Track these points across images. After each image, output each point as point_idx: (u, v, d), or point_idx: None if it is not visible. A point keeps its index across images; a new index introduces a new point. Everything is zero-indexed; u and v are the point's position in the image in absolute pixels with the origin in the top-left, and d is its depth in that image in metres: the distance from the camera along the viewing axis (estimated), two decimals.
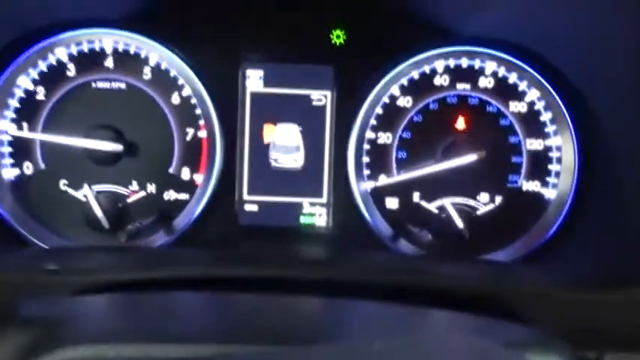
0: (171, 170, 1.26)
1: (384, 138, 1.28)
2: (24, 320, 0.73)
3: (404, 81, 1.27)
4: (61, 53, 1.23)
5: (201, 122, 1.26)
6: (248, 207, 1.29)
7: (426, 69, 1.27)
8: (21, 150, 1.24)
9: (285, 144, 1.28)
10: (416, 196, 1.28)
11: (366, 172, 1.28)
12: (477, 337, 0.77)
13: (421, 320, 0.84)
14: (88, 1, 1.14)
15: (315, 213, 1.30)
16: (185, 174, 1.27)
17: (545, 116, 1.28)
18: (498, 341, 0.75)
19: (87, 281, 0.92)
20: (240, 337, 0.69)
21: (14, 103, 1.23)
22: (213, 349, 0.67)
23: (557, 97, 1.25)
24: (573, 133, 1.24)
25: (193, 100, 1.25)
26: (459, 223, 1.24)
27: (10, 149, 1.24)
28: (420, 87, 1.27)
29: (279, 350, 0.65)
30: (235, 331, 0.72)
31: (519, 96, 1.28)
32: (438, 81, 1.27)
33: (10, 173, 1.24)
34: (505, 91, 1.27)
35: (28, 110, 1.23)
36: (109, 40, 1.23)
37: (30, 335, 0.71)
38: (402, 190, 1.28)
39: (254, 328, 0.74)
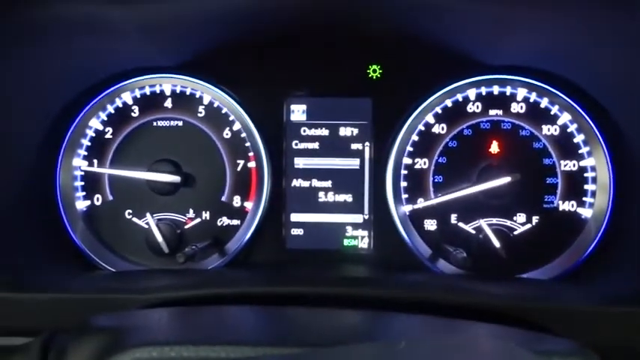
0: (223, 198, 1.37)
1: (421, 163, 1.35)
2: (96, 330, 0.84)
3: (438, 109, 1.34)
4: (126, 97, 1.38)
5: (251, 154, 1.37)
6: (294, 231, 1.38)
7: (459, 97, 1.34)
8: (91, 183, 1.39)
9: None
10: (453, 218, 1.34)
11: (405, 195, 1.35)
12: (506, 342, 0.82)
13: (452, 329, 0.90)
14: (149, 52, 1.28)
15: (358, 236, 1.38)
16: (236, 201, 1.37)
17: (578, 138, 1.32)
18: (525, 347, 0.79)
19: (149, 299, 1.03)
20: (282, 342, 0.77)
21: (86, 142, 1.39)
22: (259, 351, 0.75)
23: (588, 120, 1.29)
24: (606, 153, 1.28)
25: (243, 134, 1.37)
26: (496, 243, 1.29)
27: (82, 183, 1.39)
28: (454, 114, 1.34)
29: (308, 351, 0.72)
30: (279, 337, 0.80)
31: (552, 120, 1.32)
32: (470, 108, 1.34)
33: (82, 204, 1.39)
34: (537, 115, 1.33)
35: (97, 148, 1.38)
36: (167, 84, 1.38)
37: (101, 342, 0.82)
38: (439, 212, 1.34)
39: (296, 334, 0.81)
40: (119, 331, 0.82)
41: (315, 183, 1.38)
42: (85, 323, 0.85)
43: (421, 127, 1.35)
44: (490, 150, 1.33)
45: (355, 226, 1.38)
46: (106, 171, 1.38)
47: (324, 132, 1.38)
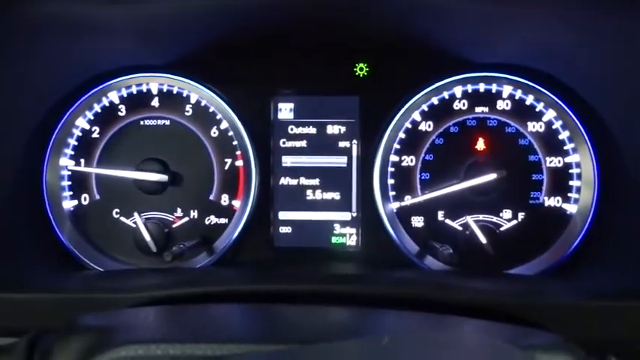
0: (211, 197, 1.37)
1: (408, 161, 1.36)
2: (82, 329, 0.84)
3: (424, 107, 1.35)
4: (113, 96, 1.38)
5: (238, 152, 1.37)
6: (282, 229, 1.38)
7: (445, 95, 1.35)
8: (79, 183, 1.38)
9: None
10: (440, 215, 1.34)
11: (392, 193, 1.36)
12: (491, 337, 0.83)
13: (440, 326, 0.90)
14: (136, 51, 1.28)
15: (346, 234, 1.38)
16: (224, 200, 1.37)
17: (563, 135, 1.33)
18: (511, 342, 0.80)
19: (137, 297, 1.03)
20: (269, 339, 0.78)
21: (73, 141, 1.38)
22: (245, 348, 0.75)
23: (573, 117, 1.30)
24: (591, 149, 1.29)
25: (230, 133, 1.37)
26: (483, 240, 1.30)
27: (69, 183, 1.38)
28: (440, 112, 1.35)
29: (294, 348, 0.73)
30: (265, 334, 0.81)
31: (537, 117, 1.34)
32: (457, 105, 1.35)
33: (69, 204, 1.38)
34: (523, 112, 1.34)
35: (84, 147, 1.38)
36: (154, 82, 1.37)
37: (88, 340, 0.82)
38: (426, 209, 1.34)
39: (283, 331, 0.82)
40: (106, 329, 0.82)
41: (303, 181, 1.39)
42: (71, 323, 0.85)
43: (408, 124, 1.36)
44: (476, 147, 1.34)
45: (343, 223, 1.38)
46: (93, 170, 1.37)
47: (312, 130, 1.39)
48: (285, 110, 1.39)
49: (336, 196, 1.38)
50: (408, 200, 1.35)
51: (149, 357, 0.75)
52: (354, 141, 1.37)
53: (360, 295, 1.03)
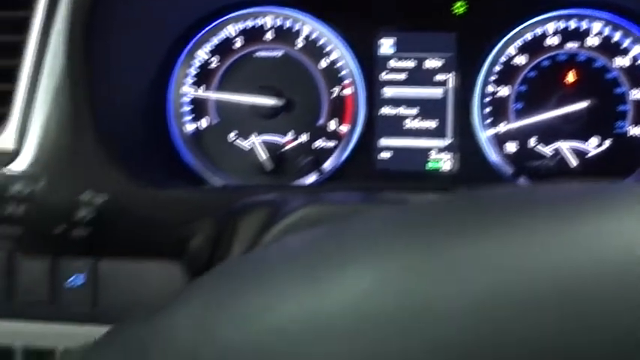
0: (320, 122, 1.50)
1: (503, 91, 1.48)
2: (263, 203, 0.97)
3: (519, 42, 1.47)
4: (230, 29, 1.51)
5: (345, 82, 1.50)
6: (383, 154, 1.51)
7: (539, 31, 1.46)
8: (199, 108, 1.52)
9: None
10: (533, 141, 1.47)
11: (488, 120, 1.48)
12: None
13: None
14: None
15: (441, 159, 1.51)
16: (332, 125, 1.50)
17: None
18: None
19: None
20: None
21: (193, 71, 1.51)
22: None
23: None
24: None
25: (339, 64, 1.50)
26: (573, 163, 1.42)
27: (190, 107, 1.52)
28: (534, 47, 1.46)
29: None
30: None
31: (624, 52, 1.45)
32: (549, 41, 1.46)
33: (190, 127, 1.52)
34: (610, 48, 1.45)
35: (204, 76, 1.51)
36: (269, 17, 1.50)
37: (269, 210, 0.95)
38: (520, 135, 1.47)
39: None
40: (286, 199, 0.95)
41: (402, 111, 1.51)
42: (251, 200, 0.98)
43: (503, 58, 1.47)
44: (566, 79, 1.45)
45: (439, 149, 1.51)
46: (213, 95, 1.50)
47: (411, 64, 1.51)
48: (387, 45, 1.51)
49: (433, 124, 1.51)
50: (503, 127, 1.47)
51: (329, 214, 0.88)
52: (451, 74, 1.49)
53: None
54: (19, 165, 1.12)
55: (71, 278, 1.21)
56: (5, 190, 0.72)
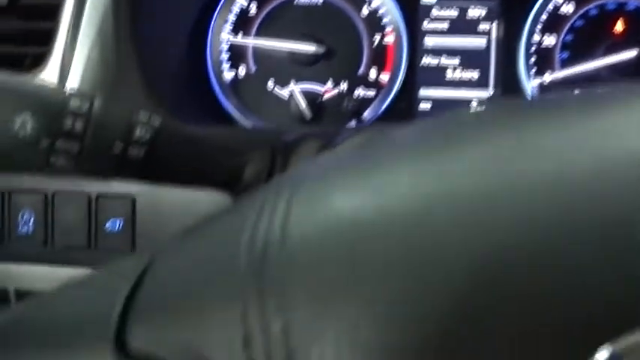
0: (360, 71, 1.48)
1: (549, 41, 1.44)
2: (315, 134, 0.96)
3: None
4: None
5: (387, 30, 1.47)
6: (423, 105, 1.49)
7: None
8: (237, 55, 1.50)
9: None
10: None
11: (533, 70, 1.45)
12: None
13: None
14: None
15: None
16: (372, 74, 1.48)
17: None
18: None
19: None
20: None
21: (232, 17, 1.49)
22: None
23: None
24: None
25: (381, 11, 1.47)
26: None
27: (228, 55, 1.50)
28: None
29: None
30: None
31: None
32: None
33: (229, 75, 1.50)
34: None
35: (242, 23, 1.49)
36: None
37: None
38: (566, 85, 1.43)
39: None
40: (339, 131, 0.94)
41: (444, 61, 1.48)
42: (303, 132, 0.97)
43: (549, 6, 1.44)
44: (615, 29, 1.42)
45: (482, 100, 1.48)
46: (251, 41, 1.49)
47: (454, 13, 1.48)
48: None
49: (475, 75, 1.48)
50: (548, 77, 1.44)
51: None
52: (495, 23, 1.46)
53: None
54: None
55: (109, 222, 1.22)
56: (65, 107, 0.71)
